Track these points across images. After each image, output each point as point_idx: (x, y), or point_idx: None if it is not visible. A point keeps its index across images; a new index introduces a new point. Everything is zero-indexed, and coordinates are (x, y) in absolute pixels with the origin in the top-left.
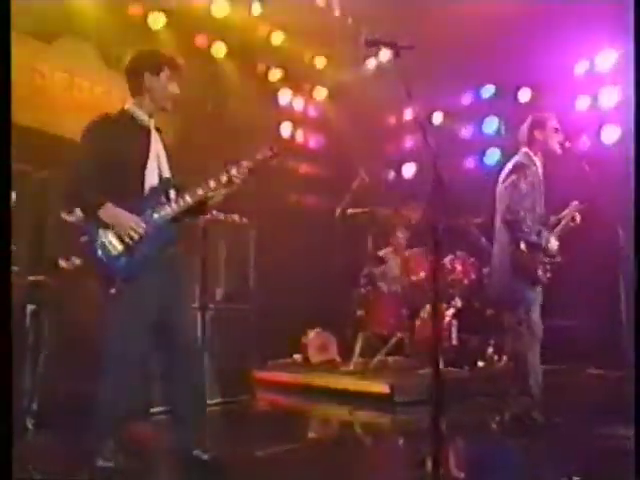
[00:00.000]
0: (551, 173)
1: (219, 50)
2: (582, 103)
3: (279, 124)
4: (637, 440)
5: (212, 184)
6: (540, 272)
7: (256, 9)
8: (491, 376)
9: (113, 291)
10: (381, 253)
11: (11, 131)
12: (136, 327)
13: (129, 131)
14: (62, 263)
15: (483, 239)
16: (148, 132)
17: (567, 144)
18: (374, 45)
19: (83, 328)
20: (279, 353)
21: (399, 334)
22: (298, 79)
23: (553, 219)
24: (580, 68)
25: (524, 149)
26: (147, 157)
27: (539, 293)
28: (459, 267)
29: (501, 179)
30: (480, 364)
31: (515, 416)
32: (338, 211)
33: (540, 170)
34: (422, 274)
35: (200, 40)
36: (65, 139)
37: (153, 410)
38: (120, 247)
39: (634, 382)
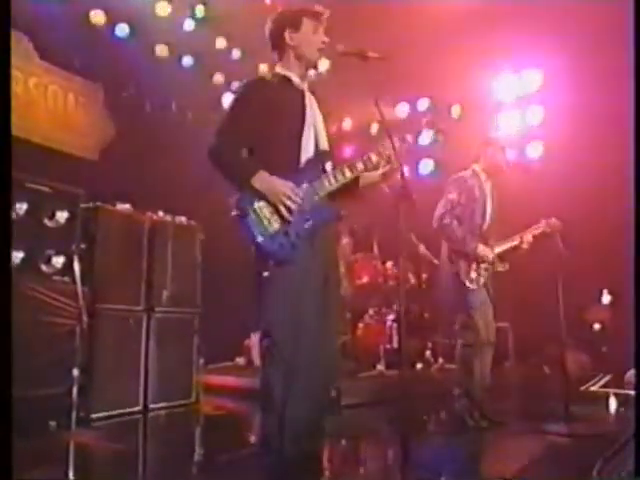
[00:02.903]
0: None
1: (162, 50)
2: (509, 120)
3: None
4: (637, 440)
5: (374, 158)
6: (472, 277)
7: (199, 12)
8: (429, 377)
9: (266, 274)
10: None
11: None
12: (298, 311)
13: (283, 94)
14: None
15: (421, 246)
16: (302, 95)
17: (513, 161)
18: (345, 56)
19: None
20: (222, 356)
21: (342, 337)
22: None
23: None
24: (507, 86)
25: (473, 165)
26: (303, 123)
27: (481, 297)
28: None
29: None
30: (419, 366)
31: (457, 416)
32: None
33: (486, 184)
34: (365, 279)
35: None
36: None
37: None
38: (277, 225)
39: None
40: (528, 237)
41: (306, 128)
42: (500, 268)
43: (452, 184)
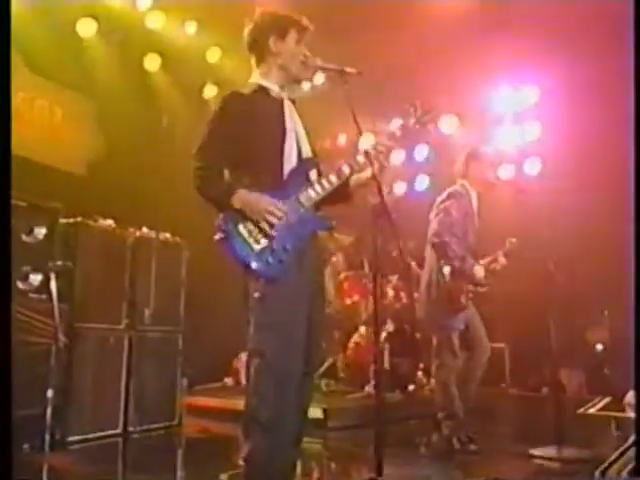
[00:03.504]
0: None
1: (153, 62)
2: (506, 136)
3: None
4: (638, 441)
5: (360, 160)
6: (463, 299)
7: (192, 25)
8: (421, 399)
9: (257, 295)
10: None
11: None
12: (292, 333)
13: (261, 105)
14: None
15: (414, 264)
16: (281, 104)
17: (500, 177)
18: (320, 70)
19: None
20: (210, 377)
21: (331, 358)
22: None
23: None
24: (504, 102)
25: (461, 180)
26: (284, 133)
27: (469, 315)
28: (391, 291)
29: (435, 205)
30: (411, 387)
31: (444, 439)
32: None
33: (475, 201)
34: (356, 297)
35: (133, 51)
36: None
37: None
38: (263, 241)
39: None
40: (501, 258)
41: (287, 138)
42: (482, 289)
43: (450, 199)
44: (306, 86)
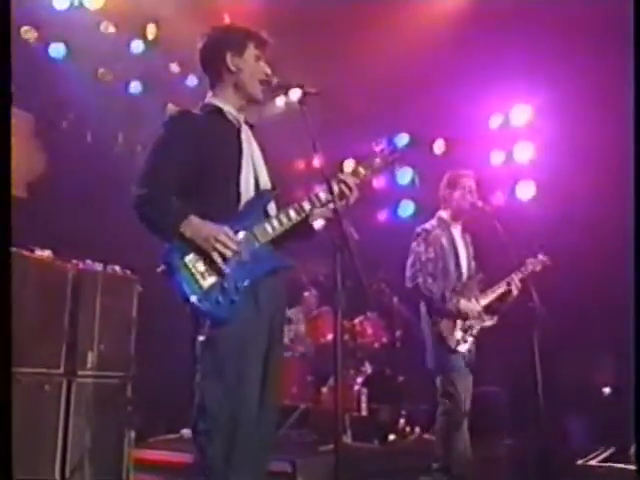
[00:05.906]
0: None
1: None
2: (497, 158)
3: None
4: (637, 442)
5: (322, 196)
6: (457, 337)
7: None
8: (403, 450)
9: (202, 338)
10: (287, 313)
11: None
12: (243, 385)
13: (215, 128)
14: None
15: (395, 299)
16: (238, 129)
17: (479, 204)
18: (279, 89)
19: None
20: (165, 428)
21: (303, 405)
22: None
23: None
24: (494, 122)
25: (439, 212)
26: (240, 161)
27: (461, 361)
28: (369, 330)
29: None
30: (391, 437)
31: None
32: None
33: (455, 231)
34: (330, 336)
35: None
36: None
37: None
38: (212, 279)
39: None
40: (515, 281)
41: (244, 166)
42: (488, 322)
43: (416, 239)
44: (281, 101)
